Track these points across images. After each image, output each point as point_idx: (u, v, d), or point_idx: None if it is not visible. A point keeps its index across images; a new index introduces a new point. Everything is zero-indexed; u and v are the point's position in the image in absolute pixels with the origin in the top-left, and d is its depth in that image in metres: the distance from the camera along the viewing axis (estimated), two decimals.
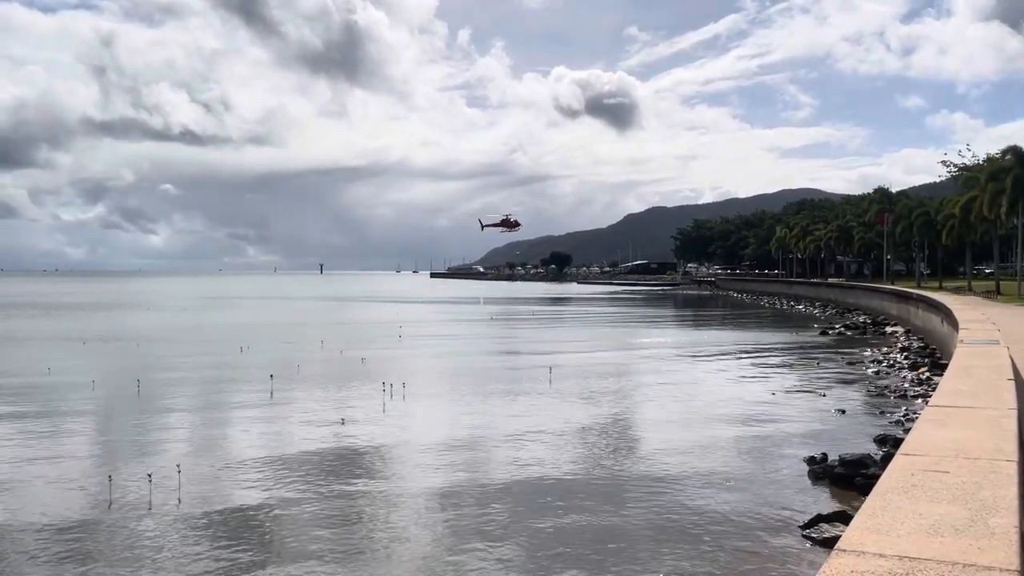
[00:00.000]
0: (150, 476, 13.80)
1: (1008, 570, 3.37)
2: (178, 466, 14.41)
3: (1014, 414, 7.29)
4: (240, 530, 11.77)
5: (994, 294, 51.05)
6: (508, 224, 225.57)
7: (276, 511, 12.73)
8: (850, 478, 13.66)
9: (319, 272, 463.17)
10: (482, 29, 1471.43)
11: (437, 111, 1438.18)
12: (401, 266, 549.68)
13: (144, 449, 17.10)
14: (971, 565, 3.41)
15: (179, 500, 13.11)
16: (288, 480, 14.55)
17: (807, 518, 11.78)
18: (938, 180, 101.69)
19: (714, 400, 23.53)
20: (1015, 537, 3.81)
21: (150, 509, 12.69)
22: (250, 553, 10.83)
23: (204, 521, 12.13)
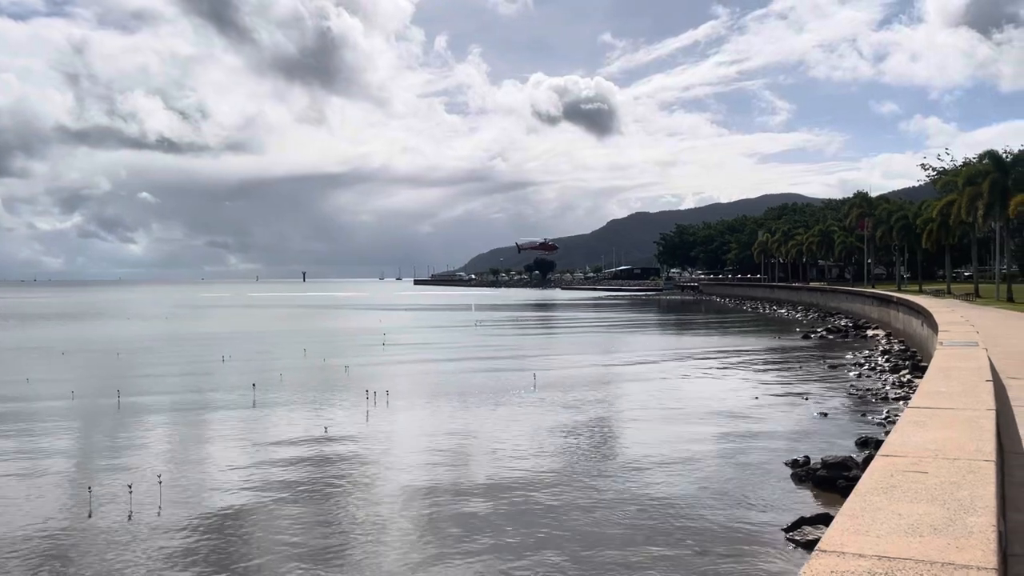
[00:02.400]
0: (130, 487, 13.67)
1: (985, 568, 3.39)
2: (159, 477, 14.28)
3: (992, 415, 7.36)
4: (220, 541, 11.66)
5: (973, 297, 51.61)
6: (546, 247, 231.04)
7: (257, 521, 12.63)
8: (832, 480, 13.74)
9: (302, 280, 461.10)
10: (459, 36, 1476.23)
11: (417, 117, 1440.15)
12: (384, 273, 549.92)
13: (124, 460, 16.92)
14: (949, 564, 3.43)
15: (159, 510, 12.98)
16: (270, 490, 14.45)
17: (790, 520, 11.83)
18: (917, 184, 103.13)
19: (697, 405, 23.60)
20: (993, 536, 3.84)
21: (130, 519, 12.55)
22: (229, 563, 10.74)
23: (184, 532, 12.01)
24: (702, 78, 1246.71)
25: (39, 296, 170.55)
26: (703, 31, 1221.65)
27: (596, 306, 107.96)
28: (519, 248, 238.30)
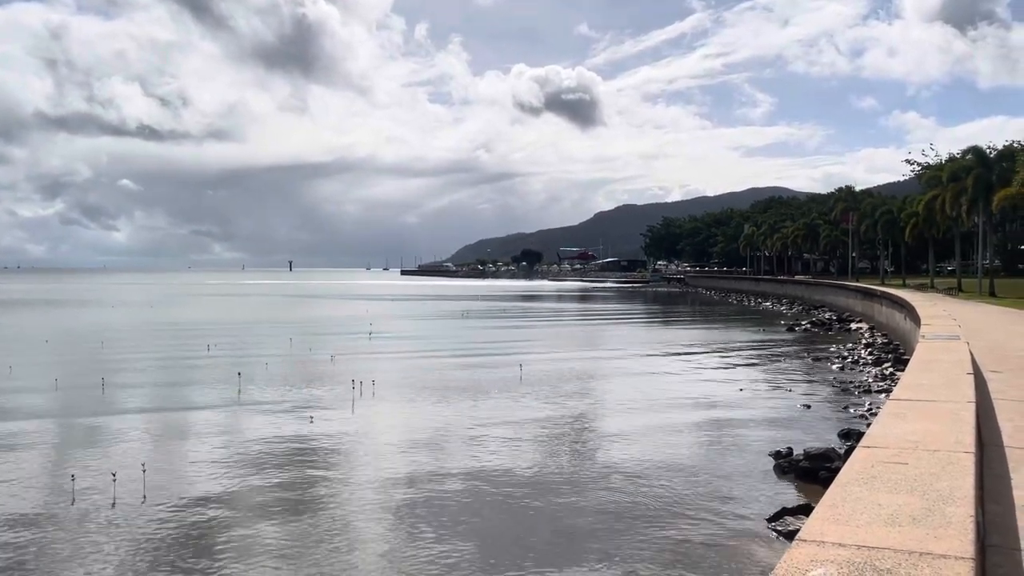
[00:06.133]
0: (114, 475, 13.60)
1: (963, 558, 3.44)
2: (143, 464, 14.20)
3: (972, 407, 7.45)
4: (204, 528, 11.64)
5: (956, 291, 52.05)
6: (584, 256, 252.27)
7: (242, 509, 12.61)
8: (815, 472, 13.85)
9: (288, 269, 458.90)
10: (440, 24, 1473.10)
11: (401, 107, 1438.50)
12: (371, 264, 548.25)
13: (108, 448, 16.83)
14: (927, 554, 3.48)
15: (144, 498, 12.93)
16: (255, 478, 14.42)
17: (772, 511, 11.92)
18: (901, 179, 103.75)
19: (681, 396, 23.71)
20: (971, 526, 3.89)
21: (113, 507, 12.50)
22: (213, 550, 10.72)
23: (168, 519, 11.97)
24: (689, 71, 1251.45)
25: (22, 283, 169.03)
26: (689, 23, 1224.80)
27: (583, 298, 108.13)
28: (560, 258, 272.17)
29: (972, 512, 4.11)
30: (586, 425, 19.56)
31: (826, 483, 12.71)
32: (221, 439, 17.73)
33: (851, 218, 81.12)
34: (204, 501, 12.95)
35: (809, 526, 3.88)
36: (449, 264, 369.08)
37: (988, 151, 56.47)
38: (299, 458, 15.89)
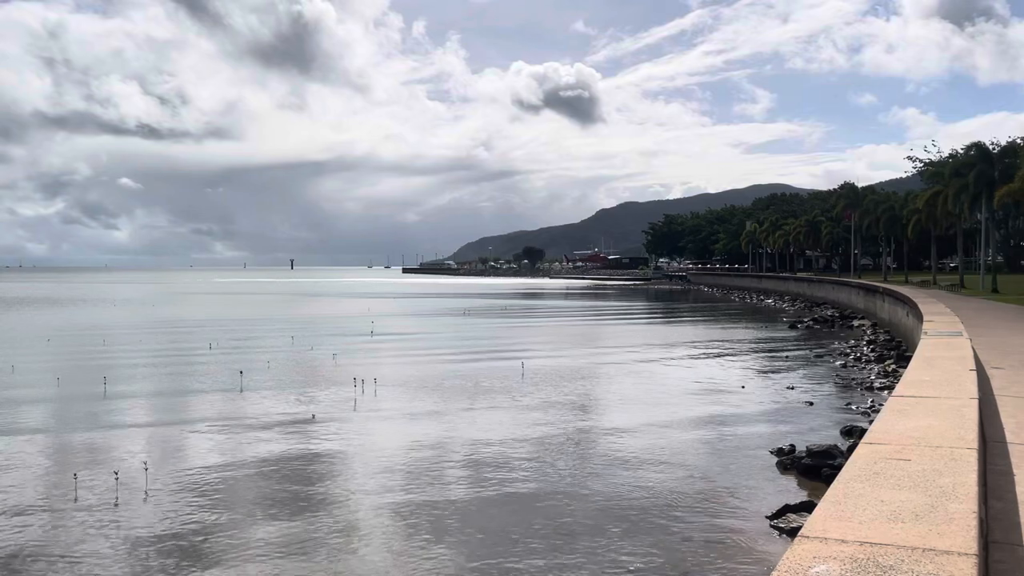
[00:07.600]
0: (116, 474, 13.62)
1: (966, 554, 3.43)
2: (145, 463, 14.23)
3: (975, 403, 7.42)
4: (207, 526, 11.64)
5: (958, 287, 51.93)
6: (596, 258, 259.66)
7: (244, 508, 12.62)
8: (817, 469, 13.84)
9: (290, 267, 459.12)
10: (437, 22, 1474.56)
11: (400, 105, 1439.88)
12: (372, 261, 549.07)
13: (110, 447, 16.85)
14: (930, 550, 3.47)
15: (146, 497, 12.94)
16: (256, 477, 14.44)
17: (775, 508, 11.92)
18: (904, 175, 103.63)
19: (684, 394, 23.69)
20: (973, 522, 3.88)
21: (116, 507, 12.51)
22: (216, 549, 10.73)
23: (170, 518, 11.98)
24: (689, 67, 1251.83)
25: (23, 282, 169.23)
26: (689, 19, 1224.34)
27: (584, 295, 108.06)
28: (567, 259, 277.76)
29: (975, 508, 4.09)
30: (588, 422, 19.54)
31: (829, 480, 12.71)
32: (223, 438, 17.74)
33: (853, 215, 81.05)
34: (206, 500, 12.95)
35: (812, 523, 3.86)
36: (451, 262, 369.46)
37: (991, 147, 56.33)
38: (301, 457, 15.90)
